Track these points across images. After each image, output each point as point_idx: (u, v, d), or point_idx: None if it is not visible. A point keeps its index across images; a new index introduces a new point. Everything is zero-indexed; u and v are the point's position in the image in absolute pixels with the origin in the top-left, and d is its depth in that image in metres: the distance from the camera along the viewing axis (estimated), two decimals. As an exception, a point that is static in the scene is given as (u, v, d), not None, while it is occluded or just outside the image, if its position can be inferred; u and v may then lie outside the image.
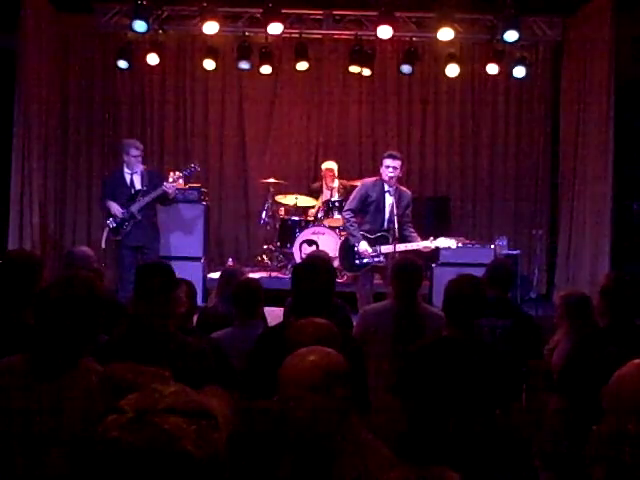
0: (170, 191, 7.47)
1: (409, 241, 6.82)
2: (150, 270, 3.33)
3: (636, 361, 1.88)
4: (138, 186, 7.51)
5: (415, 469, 1.31)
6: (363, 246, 6.81)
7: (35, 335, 2.25)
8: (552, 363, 4.21)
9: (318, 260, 3.55)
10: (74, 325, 2.19)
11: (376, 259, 6.80)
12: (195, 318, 4.61)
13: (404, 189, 7.11)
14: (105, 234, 7.51)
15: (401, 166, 6.90)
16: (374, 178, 7.09)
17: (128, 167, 7.52)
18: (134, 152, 7.47)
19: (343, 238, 7.31)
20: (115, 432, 1.25)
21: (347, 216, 7.01)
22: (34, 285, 3.12)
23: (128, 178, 7.52)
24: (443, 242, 6.95)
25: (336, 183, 9.35)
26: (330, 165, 9.46)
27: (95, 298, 2.27)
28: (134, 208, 7.40)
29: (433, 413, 3.20)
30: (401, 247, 6.72)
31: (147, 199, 7.43)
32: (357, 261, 6.90)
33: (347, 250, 7.03)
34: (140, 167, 7.55)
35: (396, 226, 6.63)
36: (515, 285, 5.02)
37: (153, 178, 7.59)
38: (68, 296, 2.22)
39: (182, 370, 2.52)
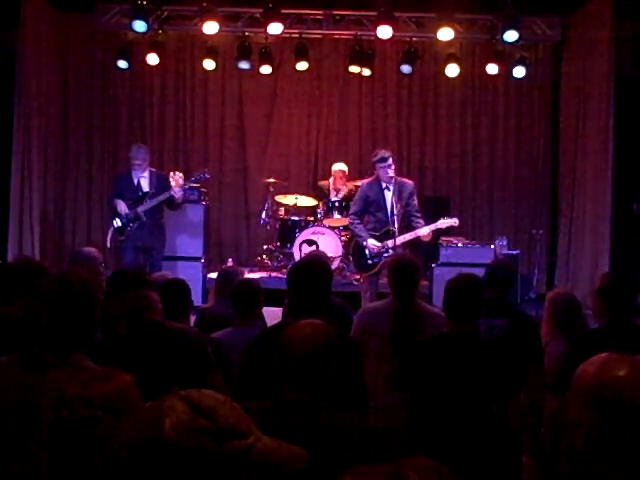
0: (177, 196, 7.60)
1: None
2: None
3: (602, 355, 1.90)
4: (145, 188, 7.63)
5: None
6: (370, 241, 6.85)
7: (23, 329, 2.25)
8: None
9: (313, 260, 3.54)
10: (66, 319, 2.18)
11: (385, 255, 6.81)
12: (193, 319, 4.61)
13: (404, 180, 7.13)
14: (110, 233, 7.61)
15: (393, 159, 6.93)
16: (370, 178, 7.12)
17: (133, 170, 7.68)
18: (133, 161, 7.67)
19: (353, 241, 7.30)
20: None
21: (352, 220, 7.06)
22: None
23: (135, 180, 7.65)
24: (444, 222, 6.95)
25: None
26: (341, 167, 9.43)
27: (89, 294, 2.26)
28: (140, 209, 7.50)
29: (432, 408, 3.21)
30: (400, 239, 6.75)
31: (154, 202, 7.54)
32: (369, 261, 6.92)
33: (358, 251, 7.05)
34: (146, 171, 7.67)
35: (396, 220, 6.65)
36: (515, 285, 4.98)
37: (161, 181, 7.69)
38: (61, 290, 2.23)
39: (184, 359, 2.52)
